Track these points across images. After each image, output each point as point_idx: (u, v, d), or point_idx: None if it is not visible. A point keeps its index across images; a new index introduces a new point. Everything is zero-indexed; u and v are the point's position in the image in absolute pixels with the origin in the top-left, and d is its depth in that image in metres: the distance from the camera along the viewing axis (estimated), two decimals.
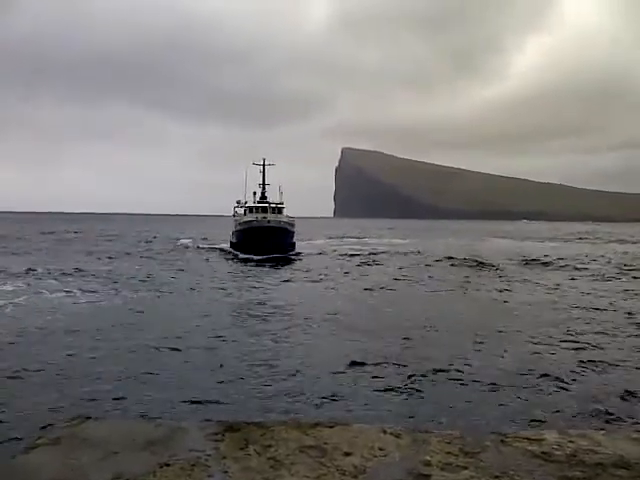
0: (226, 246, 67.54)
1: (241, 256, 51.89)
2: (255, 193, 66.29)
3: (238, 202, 68.55)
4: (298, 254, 54.46)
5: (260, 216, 58.20)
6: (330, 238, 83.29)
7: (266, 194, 66.78)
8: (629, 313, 20.91)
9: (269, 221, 56.27)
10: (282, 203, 61.55)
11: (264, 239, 51.77)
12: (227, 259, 50.36)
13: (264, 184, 67.34)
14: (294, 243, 58.13)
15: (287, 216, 59.33)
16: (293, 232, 57.25)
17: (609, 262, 47.34)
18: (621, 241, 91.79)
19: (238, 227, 58.27)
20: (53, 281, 29.15)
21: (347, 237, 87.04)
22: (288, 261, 46.91)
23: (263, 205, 62.35)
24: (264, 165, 66.40)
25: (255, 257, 50.01)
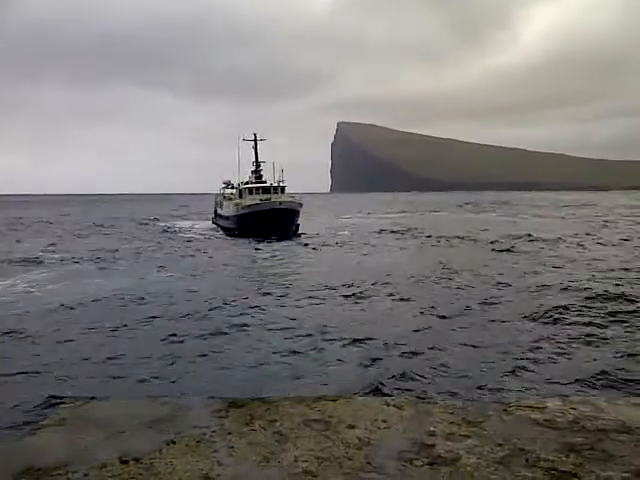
0: (206, 225, 62.56)
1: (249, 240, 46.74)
2: (255, 172, 61.00)
3: (226, 183, 63.90)
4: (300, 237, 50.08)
5: (264, 197, 53.22)
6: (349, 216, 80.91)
7: (261, 172, 61.29)
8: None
9: (280, 203, 50.40)
10: (283, 181, 56.35)
11: (276, 223, 47.39)
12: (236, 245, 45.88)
13: (257, 161, 61.69)
14: (299, 225, 54.41)
15: (290, 195, 54.49)
16: (299, 213, 53.16)
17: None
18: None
19: (241, 210, 52.78)
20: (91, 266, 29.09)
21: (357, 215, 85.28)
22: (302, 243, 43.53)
23: (265, 185, 56.28)
24: (255, 140, 61.70)
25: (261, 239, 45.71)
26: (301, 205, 53.62)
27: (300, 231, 52.21)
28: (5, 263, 28.98)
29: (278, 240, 42.64)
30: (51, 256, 31.21)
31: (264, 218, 47.62)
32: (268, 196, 53.24)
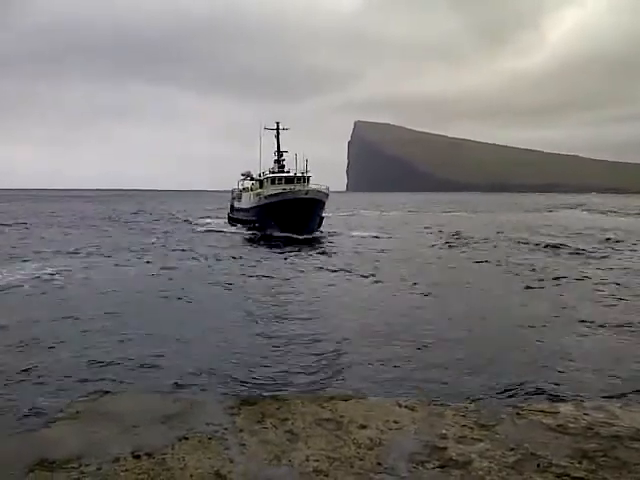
0: (219, 222, 58.83)
1: (276, 234, 43.01)
2: (277, 161, 57.94)
3: (245, 175, 60.59)
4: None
5: (288, 188, 47.51)
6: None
7: (284, 162, 57.85)
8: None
9: (307, 192, 46.23)
10: (308, 171, 52.24)
11: (301, 214, 43.68)
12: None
13: (279, 150, 58.28)
14: (323, 218, 50.72)
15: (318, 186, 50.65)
16: (324, 205, 49.51)
17: None
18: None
19: (263, 200, 48.27)
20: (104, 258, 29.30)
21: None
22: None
23: (288, 175, 51.74)
24: (278, 129, 57.62)
25: (297, 236, 42.28)
26: (327, 196, 49.37)
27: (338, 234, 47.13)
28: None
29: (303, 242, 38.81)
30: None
31: (288, 208, 43.69)
32: (292, 186, 49.04)
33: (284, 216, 43.02)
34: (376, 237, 43.00)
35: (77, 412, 5.43)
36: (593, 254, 28.66)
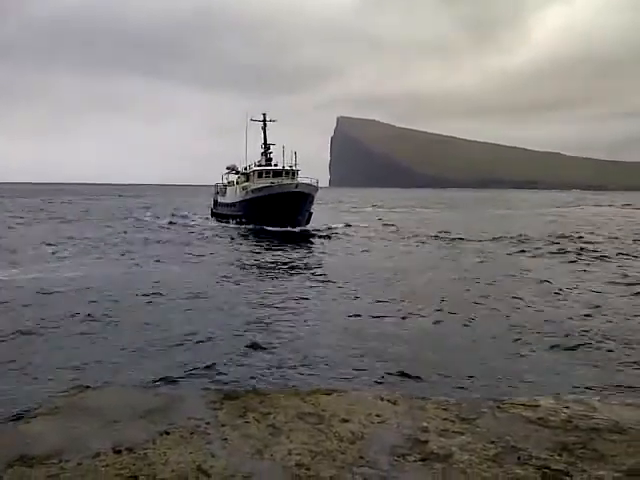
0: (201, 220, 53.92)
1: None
2: (264, 154, 54.23)
3: (230, 168, 58.93)
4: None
5: (276, 181, 46.22)
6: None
7: (271, 154, 54.02)
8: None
9: (296, 185, 44.33)
10: (296, 164, 49.16)
11: (290, 208, 42.36)
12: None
13: (266, 143, 54.50)
14: (312, 213, 47.18)
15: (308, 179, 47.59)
16: (314, 199, 46.96)
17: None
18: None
19: (250, 194, 46.33)
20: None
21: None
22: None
23: (276, 168, 49.65)
24: (265, 121, 55.64)
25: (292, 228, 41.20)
26: (317, 190, 46.29)
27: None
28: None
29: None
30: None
31: (276, 202, 42.38)
32: (280, 179, 46.62)
33: (272, 210, 42.11)
34: (362, 232, 43.18)
35: (57, 407, 5.36)
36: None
